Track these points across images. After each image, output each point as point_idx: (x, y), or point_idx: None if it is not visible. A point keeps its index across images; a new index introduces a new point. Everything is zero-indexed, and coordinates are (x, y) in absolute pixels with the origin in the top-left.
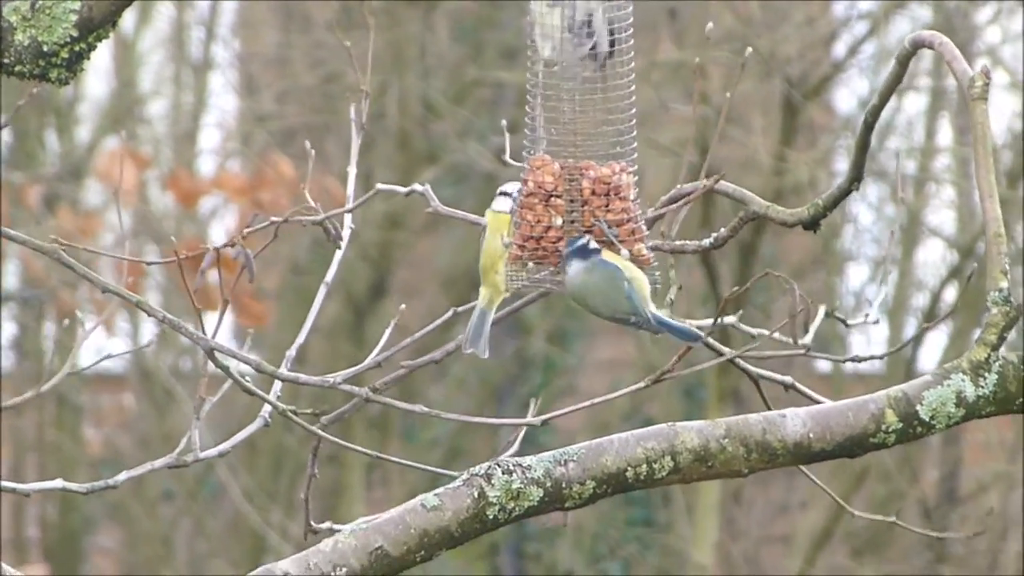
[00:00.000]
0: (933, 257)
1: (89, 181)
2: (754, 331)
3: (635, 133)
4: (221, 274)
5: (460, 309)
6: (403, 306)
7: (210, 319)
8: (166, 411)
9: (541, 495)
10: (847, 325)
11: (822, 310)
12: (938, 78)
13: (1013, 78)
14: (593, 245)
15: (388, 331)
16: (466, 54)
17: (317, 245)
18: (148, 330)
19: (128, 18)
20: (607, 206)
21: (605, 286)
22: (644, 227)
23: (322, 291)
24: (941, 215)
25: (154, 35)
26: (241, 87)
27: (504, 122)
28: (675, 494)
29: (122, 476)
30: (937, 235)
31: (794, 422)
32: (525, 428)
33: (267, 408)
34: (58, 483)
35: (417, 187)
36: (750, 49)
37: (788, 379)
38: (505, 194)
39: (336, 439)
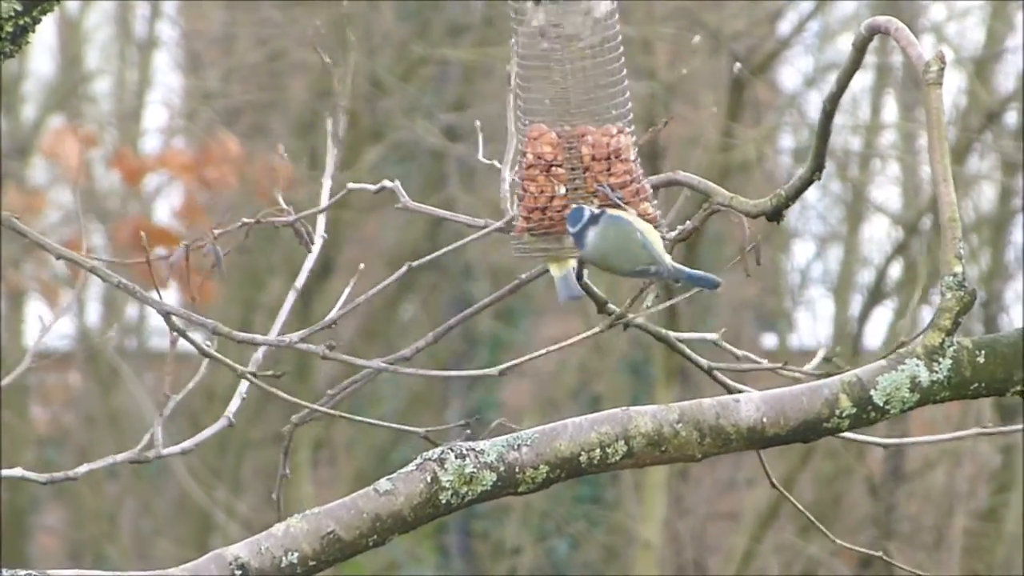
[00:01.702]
0: (878, 233)
1: (35, 159)
2: (739, 352)
3: (628, 94)
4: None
5: (415, 264)
6: (362, 265)
7: (161, 291)
8: (112, 389)
9: (494, 479)
10: (829, 361)
11: (822, 352)
12: (883, 55)
13: (957, 55)
14: (595, 210)
15: (348, 289)
16: (412, 31)
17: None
18: (94, 308)
19: None
20: (609, 170)
21: (622, 241)
22: (648, 186)
23: (291, 297)
24: (886, 191)
25: (100, 13)
26: (186, 65)
27: (478, 123)
28: (623, 473)
29: (83, 469)
30: (882, 211)
31: (748, 407)
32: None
33: (231, 409)
34: (17, 471)
35: (387, 183)
36: (698, 38)
37: (714, 336)
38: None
39: (293, 398)
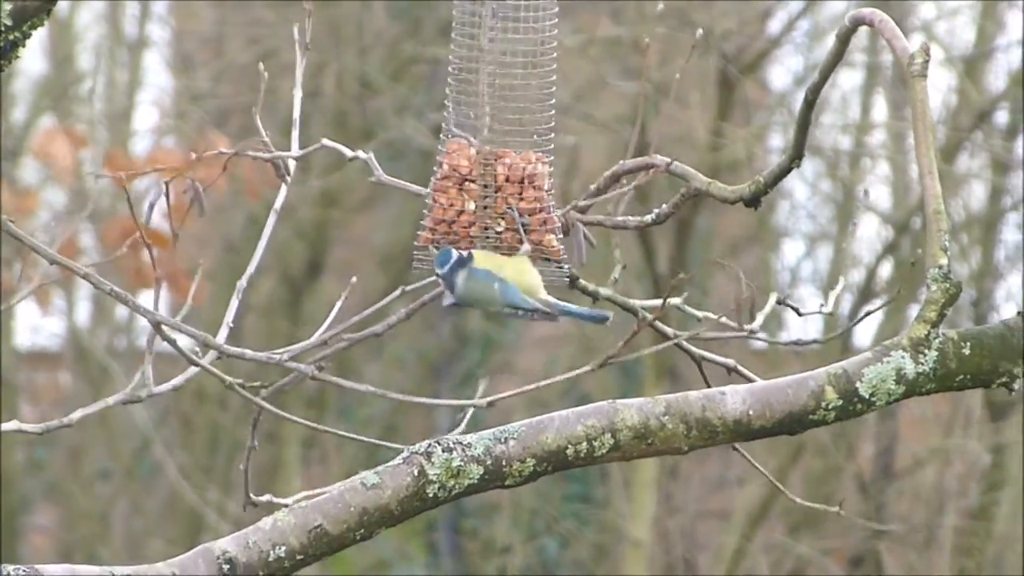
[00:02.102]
0: (868, 232)
1: (26, 159)
2: (699, 314)
3: (553, 124)
4: (153, 255)
5: (408, 288)
6: (354, 279)
7: (146, 298)
8: (102, 389)
9: (481, 473)
10: (800, 314)
11: (773, 297)
12: (873, 54)
13: (947, 53)
14: (462, 255)
15: (336, 309)
16: (403, 31)
17: (252, 223)
18: (84, 308)
19: None
20: (520, 194)
21: (481, 291)
22: (556, 218)
23: (272, 219)
24: (876, 190)
25: (89, 11)
26: (177, 65)
27: (448, 100)
28: (612, 470)
29: (77, 414)
30: (872, 210)
31: (734, 399)
32: (472, 409)
33: (229, 317)
34: (13, 424)
35: (361, 154)
36: (700, 31)
37: (731, 361)
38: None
39: (279, 411)
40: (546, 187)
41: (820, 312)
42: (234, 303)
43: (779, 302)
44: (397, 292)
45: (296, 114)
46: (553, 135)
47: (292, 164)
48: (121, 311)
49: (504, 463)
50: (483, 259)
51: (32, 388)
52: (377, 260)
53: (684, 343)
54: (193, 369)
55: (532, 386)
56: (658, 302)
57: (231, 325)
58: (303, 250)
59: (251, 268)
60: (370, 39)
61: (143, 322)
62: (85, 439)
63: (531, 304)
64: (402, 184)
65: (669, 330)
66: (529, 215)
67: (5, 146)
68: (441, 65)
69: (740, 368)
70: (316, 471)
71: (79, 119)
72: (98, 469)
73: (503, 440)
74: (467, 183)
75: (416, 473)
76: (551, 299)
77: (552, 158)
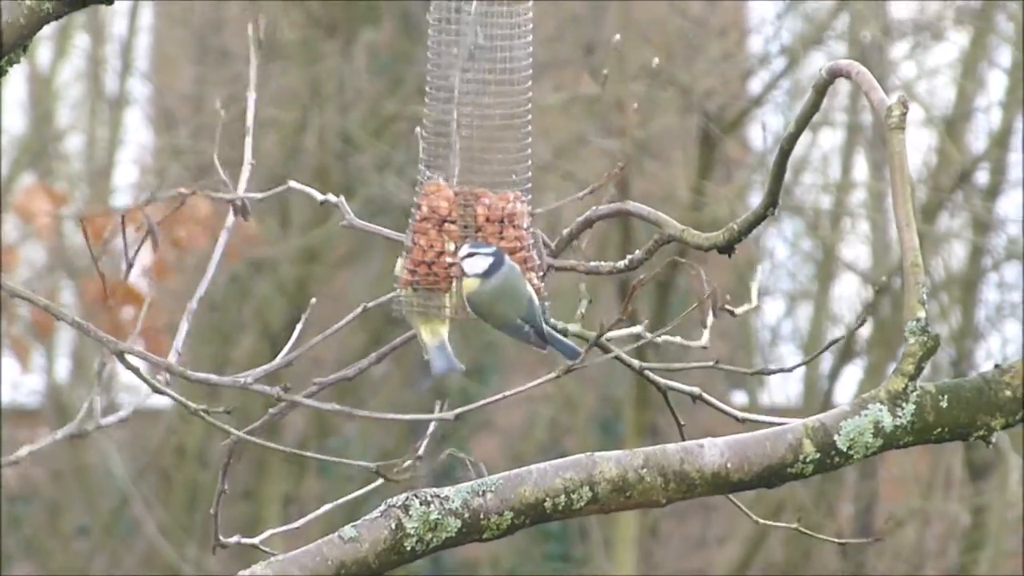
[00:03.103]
0: (848, 291)
1: (6, 216)
2: (660, 339)
3: (530, 163)
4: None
5: (370, 304)
6: (313, 300)
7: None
8: (80, 446)
9: (459, 526)
10: (733, 315)
11: (711, 307)
12: (854, 113)
13: (928, 113)
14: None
15: (299, 326)
16: (384, 88)
17: (233, 281)
18: (63, 365)
19: (45, 53)
20: (500, 233)
21: (516, 290)
22: (535, 256)
23: (221, 240)
24: (856, 250)
25: (71, 69)
26: (157, 121)
27: (418, 130)
28: (592, 528)
29: (23, 451)
30: (852, 270)
31: (712, 452)
32: (438, 424)
33: (178, 340)
34: None
35: (331, 197)
36: (656, 60)
37: (695, 389)
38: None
39: (254, 439)
40: (525, 226)
41: (748, 310)
42: (183, 327)
43: (722, 308)
44: (359, 310)
45: (249, 120)
46: (530, 174)
47: (248, 161)
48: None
49: (482, 516)
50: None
51: (12, 445)
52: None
53: (650, 374)
54: (142, 397)
55: (499, 396)
56: (626, 331)
57: (179, 352)
58: (284, 306)
59: (201, 290)
60: (351, 96)
61: (124, 378)
62: (64, 495)
63: (540, 323)
64: (374, 228)
65: (635, 362)
66: (510, 253)
67: None
68: (421, 123)
69: (705, 396)
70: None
71: (59, 176)
72: (77, 525)
73: (481, 493)
74: (446, 224)
75: (394, 526)
76: (546, 327)
77: (530, 196)
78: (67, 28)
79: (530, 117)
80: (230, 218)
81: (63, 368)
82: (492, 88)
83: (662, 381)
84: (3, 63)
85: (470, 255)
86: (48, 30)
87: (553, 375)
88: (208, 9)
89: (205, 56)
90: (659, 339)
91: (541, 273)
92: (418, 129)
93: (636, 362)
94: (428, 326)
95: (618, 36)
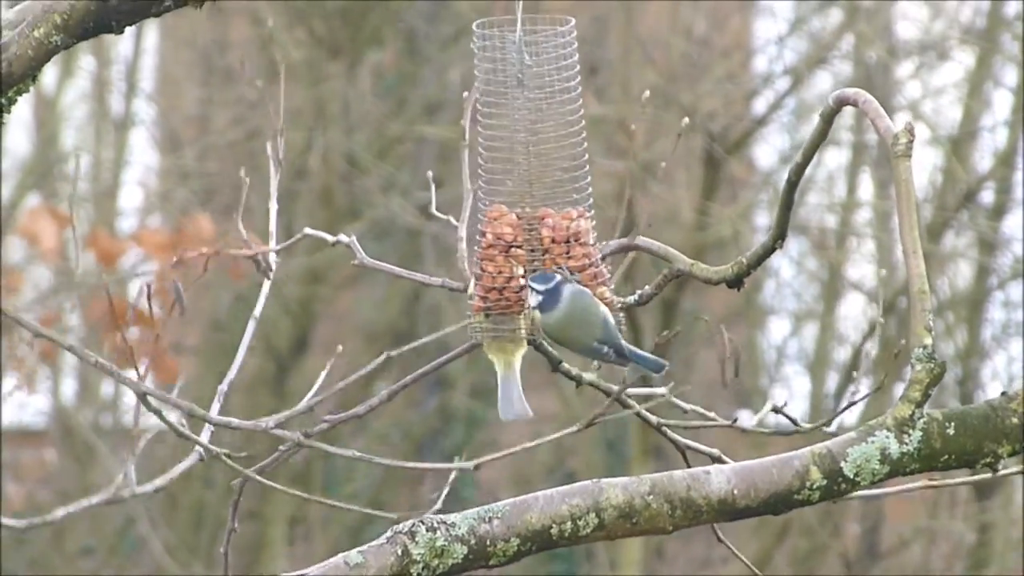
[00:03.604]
0: (854, 311)
1: (11, 238)
2: (687, 406)
3: (589, 179)
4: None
5: (394, 353)
6: (340, 347)
7: (138, 369)
8: (87, 466)
9: (465, 552)
10: (796, 424)
11: (769, 404)
12: (859, 133)
13: (934, 133)
14: (561, 276)
15: (324, 372)
16: (389, 109)
17: (238, 300)
18: (69, 386)
19: (50, 74)
20: (568, 253)
21: (587, 314)
22: (605, 271)
23: (251, 327)
24: (862, 269)
25: (76, 91)
26: (162, 143)
27: (430, 173)
28: (598, 550)
29: (60, 512)
30: (858, 289)
31: (719, 479)
32: (456, 474)
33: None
34: None
35: (343, 238)
36: (687, 119)
37: (715, 451)
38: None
39: (267, 481)
40: (591, 242)
41: (817, 427)
42: (215, 406)
43: (775, 410)
44: (383, 357)
45: (272, 226)
46: (591, 189)
47: (273, 257)
48: (106, 389)
49: (488, 543)
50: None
51: (17, 466)
52: (362, 337)
53: (669, 433)
54: (180, 468)
55: (518, 447)
56: (646, 391)
57: (220, 401)
58: (288, 326)
59: (233, 372)
60: (356, 118)
61: (128, 399)
62: (69, 516)
63: (618, 342)
64: (386, 267)
65: (653, 418)
66: (579, 271)
67: None
68: (426, 143)
69: (724, 458)
70: (301, 549)
71: (64, 198)
72: (82, 546)
73: (487, 519)
74: (513, 249)
75: (400, 552)
76: (624, 343)
77: (593, 212)
78: (73, 50)
79: (584, 134)
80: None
81: (69, 389)
82: (544, 109)
83: (681, 440)
84: (12, 94)
85: (527, 287)
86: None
87: (575, 428)
88: (213, 31)
89: (210, 77)
90: (685, 408)
91: (612, 286)
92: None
93: (654, 418)
94: (501, 356)
95: (647, 93)
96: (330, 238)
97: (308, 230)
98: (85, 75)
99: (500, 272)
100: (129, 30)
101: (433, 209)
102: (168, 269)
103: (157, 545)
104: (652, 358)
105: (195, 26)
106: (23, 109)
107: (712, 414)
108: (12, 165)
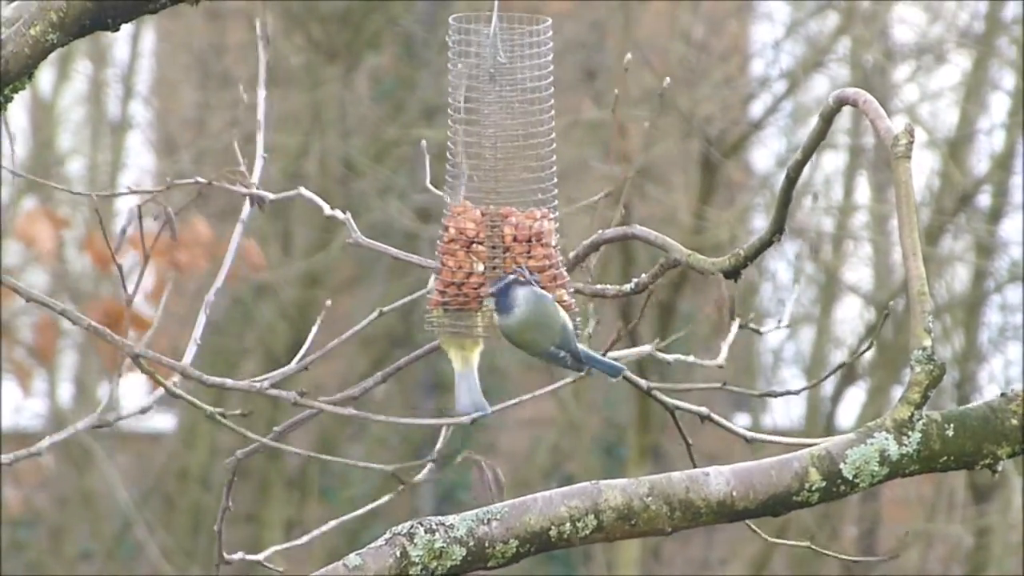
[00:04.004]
0: (851, 314)
1: (8, 242)
2: (670, 357)
3: (556, 180)
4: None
5: (386, 309)
6: (328, 302)
7: (128, 381)
8: (84, 470)
9: (464, 554)
10: (759, 333)
11: (736, 324)
12: (856, 136)
13: (931, 136)
14: (521, 279)
15: (314, 329)
16: (386, 113)
17: (236, 304)
18: (66, 389)
19: (46, 77)
20: (529, 252)
21: (545, 317)
22: (565, 273)
23: (238, 230)
24: (859, 272)
25: (72, 94)
26: (159, 146)
27: (423, 142)
28: (595, 551)
29: (45, 442)
30: (855, 292)
31: (717, 480)
32: (442, 447)
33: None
34: None
35: (338, 213)
36: (668, 80)
37: (703, 409)
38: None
39: (273, 443)
40: (553, 243)
41: (778, 327)
42: (202, 318)
43: (742, 326)
44: (375, 314)
45: (260, 137)
46: (556, 191)
47: (257, 171)
48: (103, 392)
49: (487, 544)
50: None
51: (13, 469)
52: (359, 341)
53: (658, 394)
54: (160, 391)
55: (515, 400)
56: (634, 351)
57: (198, 342)
58: (286, 331)
59: (218, 282)
60: (353, 121)
61: (126, 401)
62: (67, 519)
63: (575, 348)
64: (380, 247)
65: (643, 381)
66: (539, 272)
67: None
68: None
69: (713, 416)
70: (299, 551)
71: (61, 201)
72: (80, 550)
73: (486, 521)
74: (474, 245)
75: (398, 554)
76: (582, 347)
77: (557, 214)
78: (69, 53)
79: (553, 135)
80: (245, 209)
81: (65, 392)
82: (515, 107)
83: (670, 401)
84: (8, 92)
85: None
86: (50, 54)
87: (568, 380)
88: (210, 34)
89: (207, 81)
90: (669, 359)
91: (571, 289)
92: (429, 151)
93: (643, 382)
94: (459, 352)
95: (629, 56)
96: (326, 207)
97: (303, 190)
98: (81, 78)
99: (460, 267)
100: (126, 32)
101: (428, 183)
102: (160, 191)
103: (155, 549)
104: (609, 362)
105: (192, 29)
106: (19, 113)
107: (707, 362)
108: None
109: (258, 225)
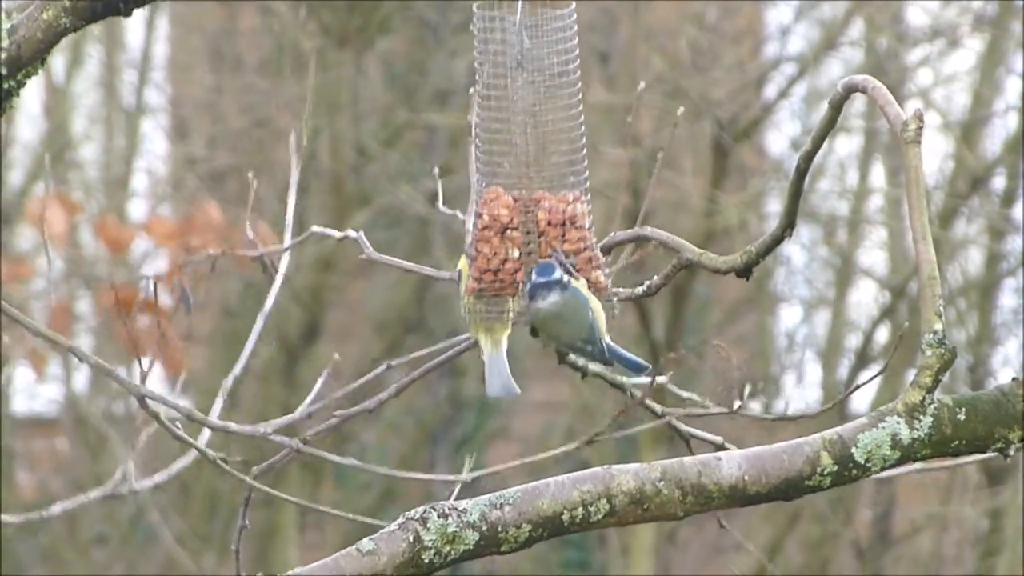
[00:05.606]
0: (865, 298)
1: (20, 227)
2: (685, 394)
3: (586, 163)
4: (157, 310)
5: (395, 363)
6: (336, 355)
7: (143, 363)
8: (99, 455)
9: (477, 539)
10: (767, 418)
11: (748, 389)
12: (871, 119)
13: (944, 119)
14: (564, 275)
15: (321, 379)
16: (398, 97)
17: (249, 288)
18: (81, 376)
19: (59, 61)
20: (563, 236)
21: (574, 314)
22: (600, 254)
23: (260, 322)
24: (873, 256)
25: (86, 78)
26: (172, 130)
27: (436, 170)
28: (610, 536)
29: (56, 508)
30: (869, 276)
31: (729, 465)
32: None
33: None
34: None
35: (351, 233)
36: (681, 109)
37: (719, 439)
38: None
39: (266, 488)
40: (587, 225)
41: (785, 418)
42: (219, 401)
43: (752, 395)
44: (382, 368)
45: (288, 216)
46: (588, 173)
47: (286, 257)
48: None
49: (500, 529)
50: (578, 285)
51: (29, 455)
52: (373, 325)
53: (674, 421)
54: (179, 465)
55: (518, 461)
56: (646, 380)
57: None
58: (299, 315)
59: (238, 368)
60: (365, 106)
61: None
62: (65, 511)
63: (602, 342)
64: (393, 261)
65: (658, 407)
66: (574, 255)
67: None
68: (436, 132)
69: (728, 446)
70: (312, 535)
71: (74, 185)
72: (94, 534)
73: (499, 506)
74: (509, 231)
75: (411, 539)
76: (610, 342)
77: (589, 196)
78: (82, 37)
79: (583, 118)
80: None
81: (81, 377)
82: (543, 91)
83: (686, 429)
84: (21, 76)
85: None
86: (63, 40)
87: (574, 445)
88: (223, 18)
89: (220, 65)
90: (683, 395)
91: (607, 271)
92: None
93: (659, 407)
94: (488, 336)
95: (643, 85)
96: (337, 234)
97: (315, 228)
98: (95, 63)
99: (495, 254)
100: (139, 16)
101: (440, 204)
102: (176, 267)
103: (169, 534)
104: (634, 359)
105: (204, 13)
106: (32, 97)
107: (707, 402)
108: (21, 152)
109: (273, 209)
